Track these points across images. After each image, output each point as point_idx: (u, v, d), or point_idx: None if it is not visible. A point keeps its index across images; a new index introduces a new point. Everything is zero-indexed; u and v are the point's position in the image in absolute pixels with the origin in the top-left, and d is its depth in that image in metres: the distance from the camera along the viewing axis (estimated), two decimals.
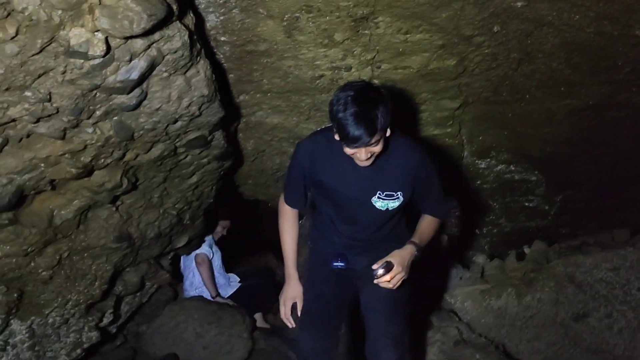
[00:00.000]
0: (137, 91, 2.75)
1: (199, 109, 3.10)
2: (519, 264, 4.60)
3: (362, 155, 2.34)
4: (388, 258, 2.50)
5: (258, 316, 5.70)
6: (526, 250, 4.96)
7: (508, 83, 3.86)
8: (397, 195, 2.57)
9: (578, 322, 4.14)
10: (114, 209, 3.60)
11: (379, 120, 2.24)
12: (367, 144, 2.28)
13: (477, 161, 4.83)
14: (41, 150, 2.79)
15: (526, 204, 5.41)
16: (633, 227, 5.02)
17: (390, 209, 2.61)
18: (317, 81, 3.60)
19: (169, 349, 5.15)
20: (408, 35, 3.29)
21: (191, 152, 3.60)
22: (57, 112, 2.59)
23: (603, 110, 4.12)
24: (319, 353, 2.66)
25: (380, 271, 2.47)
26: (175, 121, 3.11)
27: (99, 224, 3.57)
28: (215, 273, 5.72)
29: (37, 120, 2.59)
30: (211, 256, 5.62)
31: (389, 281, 2.47)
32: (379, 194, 2.58)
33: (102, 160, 3.06)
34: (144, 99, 2.84)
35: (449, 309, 4.53)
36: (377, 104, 2.26)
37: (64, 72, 2.44)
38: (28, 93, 2.45)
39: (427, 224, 2.68)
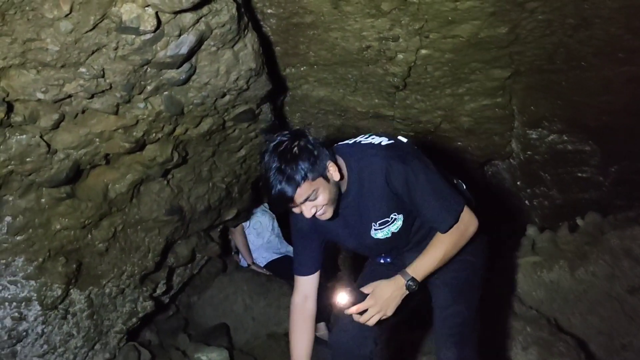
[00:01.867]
0: (186, 66, 2.78)
1: (247, 82, 3.11)
2: (571, 237, 4.49)
3: (306, 213, 2.11)
4: (365, 288, 2.24)
5: (321, 326, 5.14)
6: (579, 222, 4.83)
7: (563, 50, 3.73)
8: (392, 217, 2.27)
9: (634, 296, 4.03)
10: (165, 182, 3.68)
11: (299, 172, 2.01)
12: (298, 201, 2.06)
13: (528, 131, 4.72)
14: (96, 126, 2.86)
15: (579, 175, 5.26)
16: None
17: (395, 231, 2.32)
18: (364, 52, 3.55)
19: (219, 319, 5.28)
20: (458, 3, 3.21)
21: (239, 126, 3.62)
22: (110, 87, 2.65)
23: None
24: (351, 350, 2.44)
25: (343, 300, 2.25)
26: (224, 95, 3.13)
27: (151, 198, 3.65)
28: (267, 234, 5.82)
29: (92, 96, 2.65)
30: (248, 225, 5.69)
31: (359, 314, 2.21)
32: (374, 226, 2.30)
33: (154, 134, 3.12)
34: (193, 73, 2.87)
35: None
36: (296, 156, 2.03)
37: (116, 48, 2.48)
38: (82, 69, 2.50)
39: (432, 245, 2.25)
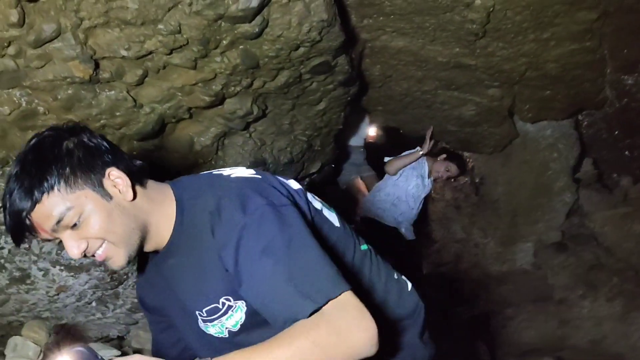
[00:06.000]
0: (258, 19, 2.87)
1: (319, 34, 3.16)
2: None
3: (70, 249, 1.25)
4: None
5: None
6: None
7: None
8: (225, 302, 1.33)
9: None
10: (248, 135, 3.84)
11: (45, 177, 1.21)
12: (47, 226, 1.23)
13: (622, 77, 4.48)
14: (177, 80, 3.04)
15: None
16: None
17: (235, 329, 1.37)
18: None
19: None
20: None
21: (316, 78, 3.70)
22: (187, 43, 2.79)
23: None
24: None
25: None
26: (297, 47, 3.21)
27: (235, 150, 3.84)
28: None
29: (171, 52, 2.81)
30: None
31: None
32: (200, 315, 1.38)
33: (232, 88, 3.26)
34: (266, 26, 2.96)
35: (588, 234, 4.36)
36: (45, 156, 1.24)
37: (190, 4, 2.62)
38: (160, 26, 2.66)
39: (275, 337, 1.15)
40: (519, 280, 4.78)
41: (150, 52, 2.78)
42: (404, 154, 4.93)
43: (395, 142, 6.23)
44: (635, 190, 4.46)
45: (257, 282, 1.20)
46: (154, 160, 3.41)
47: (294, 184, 1.48)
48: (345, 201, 6.35)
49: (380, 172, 5.81)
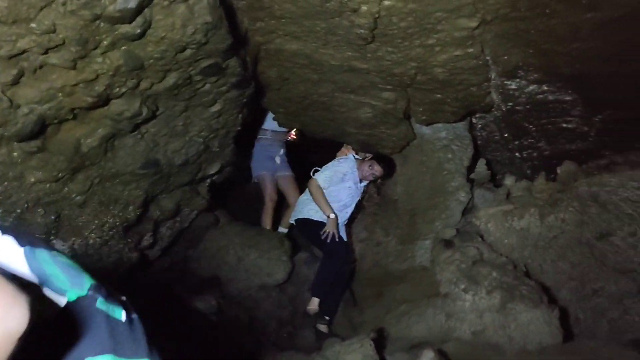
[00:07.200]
0: (139, 20, 2.87)
1: (205, 36, 3.19)
2: (546, 185, 4.55)
3: None
4: None
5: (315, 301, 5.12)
6: (558, 170, 4.87)
7: None
8: None
9: (601, 242, 4.10)
10: (140, 137, 3.81)
11: None
12: None
13: (506, 82, 4.71)
14: (56, 81, 2.98)
15: (564, 126, 5.24)
16: None
17: None
18: (327, 4, 3.58)
19: (213, 271, 5.47)
20: None
21: (207, 80, 3.71)
22: (64, 42, 2.76)
23: (634, 22, 3.89)
24: None
25: None
26: (183, 49, 3.22)
27: (125, 152, 3.79)
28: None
29: (46, 52, 2.77)
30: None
31: None
32: None
33: (117, 89, 3.23)
34: (148, 27, 2.96)
35: (474, 231, 4.58)
36: None
37: (64, 3, 2.59)
38: (33, 25, 2.62)
39: None
40: (417, 277, 4.95)
41: (24, 51, 2.73)
42: (331, 164, 5.40)
43: (314, 141, 6.31)
44: (517, 188, 4.72)
45: None
46: (36, 164, 3.33)
47: None
48: (253, 200, 6.42)
49: (298, 174, 5.97)
